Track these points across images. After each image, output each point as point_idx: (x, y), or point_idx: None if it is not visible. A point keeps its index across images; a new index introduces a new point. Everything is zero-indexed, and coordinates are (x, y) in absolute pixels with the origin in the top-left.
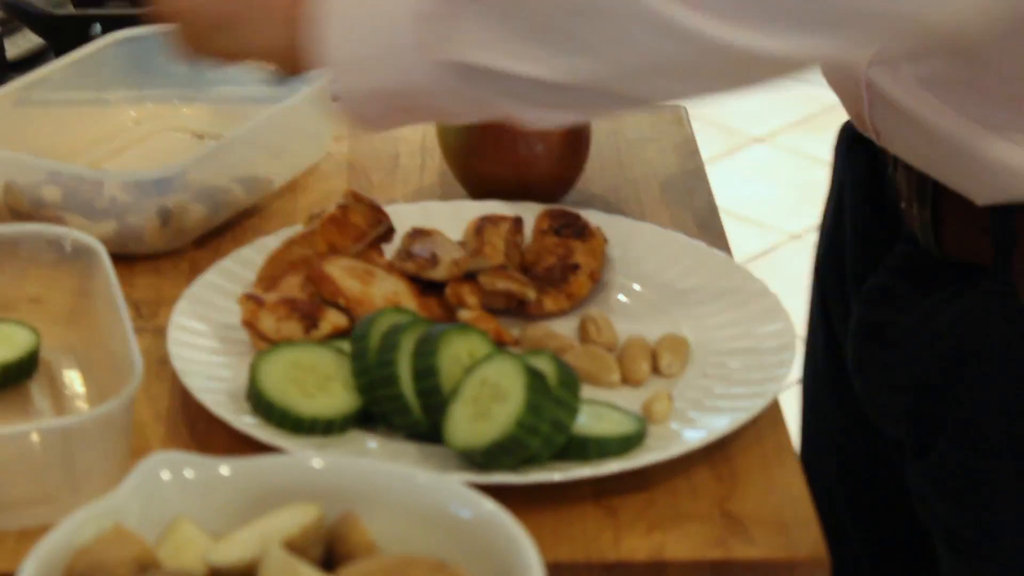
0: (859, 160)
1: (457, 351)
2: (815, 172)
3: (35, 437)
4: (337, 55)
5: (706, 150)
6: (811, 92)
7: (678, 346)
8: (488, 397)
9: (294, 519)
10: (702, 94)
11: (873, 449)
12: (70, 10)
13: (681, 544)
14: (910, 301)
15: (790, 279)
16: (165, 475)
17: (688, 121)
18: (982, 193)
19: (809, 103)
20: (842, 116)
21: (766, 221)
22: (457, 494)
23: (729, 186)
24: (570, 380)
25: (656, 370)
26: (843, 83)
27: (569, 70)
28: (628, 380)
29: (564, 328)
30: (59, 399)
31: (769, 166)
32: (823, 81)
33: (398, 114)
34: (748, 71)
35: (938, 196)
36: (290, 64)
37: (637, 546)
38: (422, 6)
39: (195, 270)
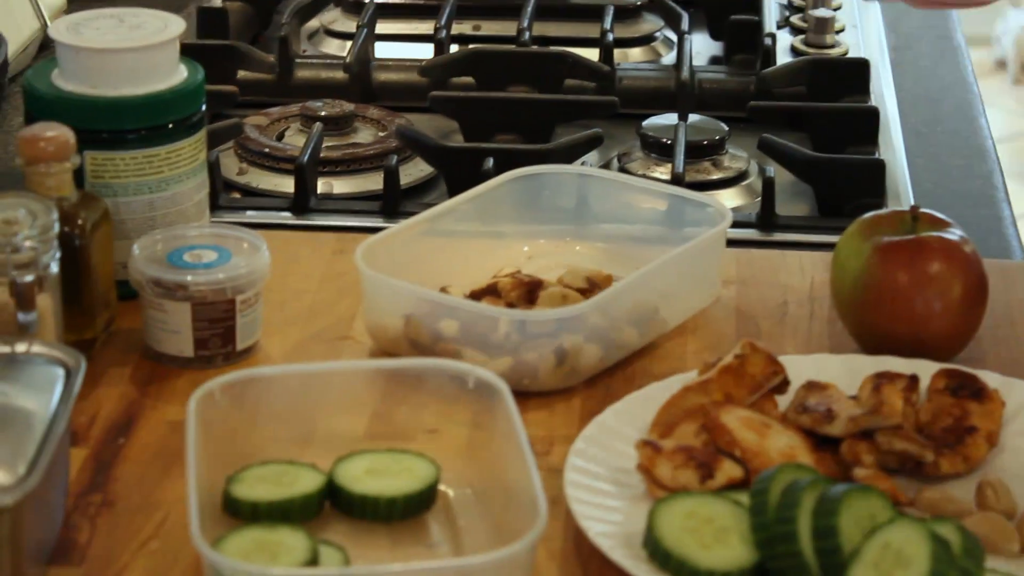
0: None
1: (859, 512)
2: None
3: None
4: None
5: None
6: None
7: None
8: (890, 562)
9: None
10: None
11: None
12: (461, 142)
13: None
14: None
15: None
16: None
17: None
18: None
19: None
20: None
21: None
22: None
23: None
24: (975, 550)
25: None
26: None
27: None
28: None
29: (959, 492)
30: (456, 533)
31: None
32: None
33: None
34: None
35: None
36: None
37: None
38: None
39: (586, 410)
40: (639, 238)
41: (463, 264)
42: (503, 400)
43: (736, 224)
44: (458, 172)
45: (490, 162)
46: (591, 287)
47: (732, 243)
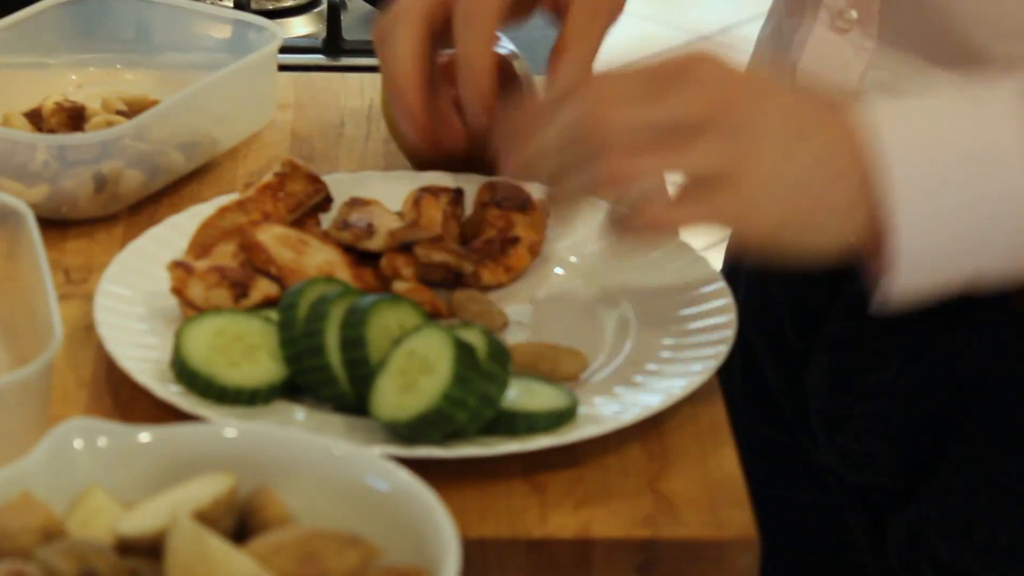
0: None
1: (387, 322)
2: None
3: None
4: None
5: None
6: None
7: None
8: (415, 369)
9: (206, 489)
10: None
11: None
12: None
13: (609, 522)
14: (885, 344)
15: None
16: (78, 443)
17: None
18: None
19: None
20: None
21: None
22: (374, 466)
23: None
24: (500, 353)
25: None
26: None
27: None
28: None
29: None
30: None
31: None
32: None
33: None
34: None
35: None
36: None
37: (564, 523)
38: None
39: (129, 237)
40: (198, 65)
41: (4, 96)
42: (29, 228)
43: (302, 49)
44: (6, 2)
45: None
46: (133, 111)
47: (294, 68)
